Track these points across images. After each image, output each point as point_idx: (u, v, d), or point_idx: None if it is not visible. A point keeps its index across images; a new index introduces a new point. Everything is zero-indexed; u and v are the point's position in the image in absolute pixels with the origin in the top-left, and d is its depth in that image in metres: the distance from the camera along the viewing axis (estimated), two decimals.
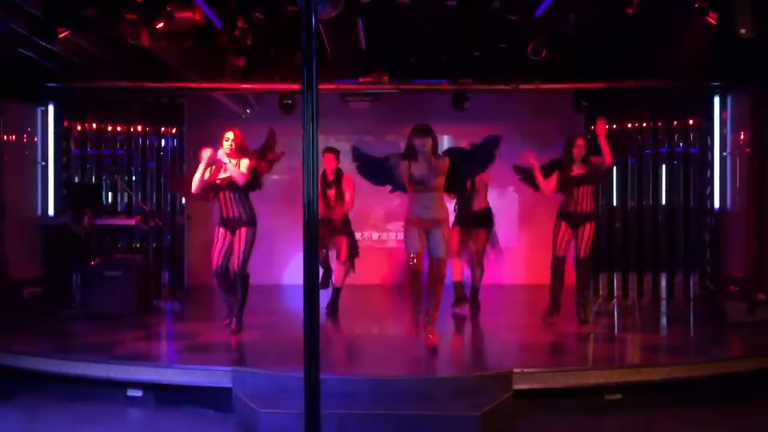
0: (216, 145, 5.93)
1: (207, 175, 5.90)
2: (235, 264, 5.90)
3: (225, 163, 5.81)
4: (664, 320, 7.33)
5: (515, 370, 4.69)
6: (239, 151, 5.87)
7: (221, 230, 5.98)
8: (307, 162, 2.52)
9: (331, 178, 6.95)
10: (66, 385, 5.04)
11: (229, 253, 5.96)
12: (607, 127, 6.49)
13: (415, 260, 5.37)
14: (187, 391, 4.81)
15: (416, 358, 5.31)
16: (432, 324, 5.43)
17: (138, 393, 4.89)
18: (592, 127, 8.73)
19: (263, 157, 6.00)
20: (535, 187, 6.63)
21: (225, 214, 5.96)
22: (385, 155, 5.61)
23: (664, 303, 8.31)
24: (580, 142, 6.40)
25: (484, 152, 5.55)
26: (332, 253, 7.17)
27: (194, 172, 5.97)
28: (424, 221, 5.36)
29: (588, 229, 6.39)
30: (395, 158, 5.45)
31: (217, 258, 5.94)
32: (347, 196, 6.92)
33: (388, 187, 5.69)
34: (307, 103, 2.48)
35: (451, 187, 5.54)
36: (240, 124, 6.22)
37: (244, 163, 5.85)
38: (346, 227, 7.13)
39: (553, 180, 6.47)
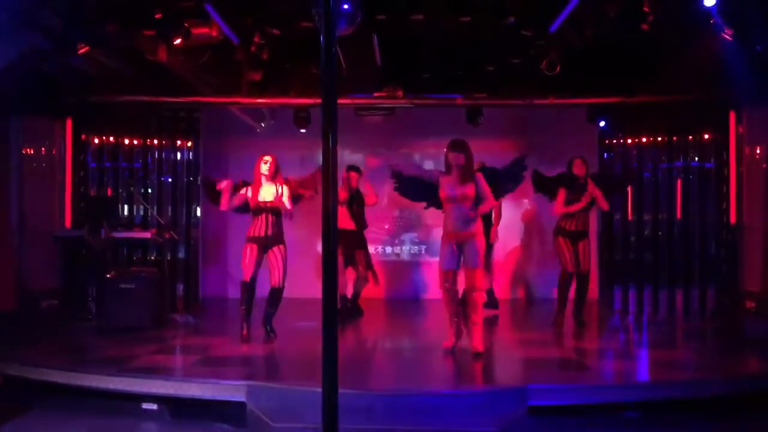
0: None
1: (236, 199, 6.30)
2: (277, 280, 6.32)
3: (263, 184, 6.21)
4: (681, 336, 7.27)
5: (530, 386, 4.66)
6: (276, 175, 6.26)
7: (252, 246, 6.27)
8: (326, 177, 2.53)
9: (353, 191, 7.66)
10: (81, 398, 5.05)
11: (259, 267, 6.31)
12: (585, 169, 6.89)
13: (449, 280, 5.61)
14: (201, 404, 4.81)
15: (433, 373, 5.29)
16: (479, 333, 5.63)
17: (153, 406, 4.90)
18: (607, 141, 8.78)
19: (297, 188, 6.42)
20: (551, 196, 6.98)
21: (260, 232, 6.24)
22: (419, 172, 5.89)
23: (680, 318, 8.23)
24: (578, 162, 6.83)
25: (513, 172, 6.01)
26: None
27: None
28: (459, 234, 5.57)
29: (586, 245, 6.92)
30: (429, 174, 5.76)
31: (249, 270, 6.28)
32: (369, 199, 7.66)
33: (423, 204, 6.00)
34: (326, 119, 2.50)
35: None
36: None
37: (286, 193, 6.25)
38: (363, 239, 7.73)
39: (562, 195, 6.86)
